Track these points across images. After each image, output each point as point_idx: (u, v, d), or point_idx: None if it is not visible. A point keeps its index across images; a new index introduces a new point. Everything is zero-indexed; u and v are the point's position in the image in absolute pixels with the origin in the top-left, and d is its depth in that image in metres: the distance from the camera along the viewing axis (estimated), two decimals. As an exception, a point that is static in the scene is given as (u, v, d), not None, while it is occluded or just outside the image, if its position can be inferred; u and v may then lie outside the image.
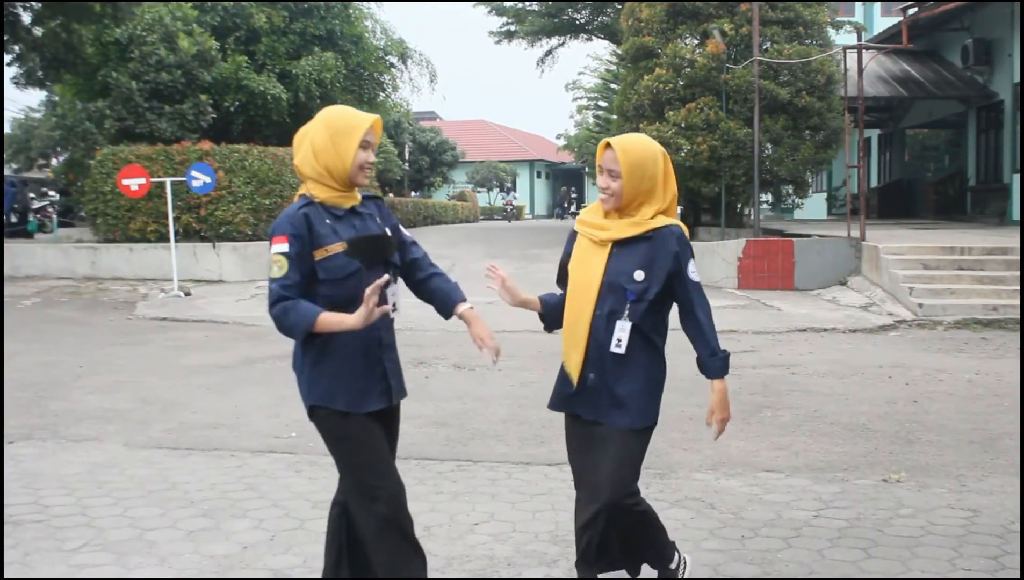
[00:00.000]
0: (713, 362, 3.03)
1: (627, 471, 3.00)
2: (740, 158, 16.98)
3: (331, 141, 2.90)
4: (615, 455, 2.98)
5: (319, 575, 3.64)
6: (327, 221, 2.91)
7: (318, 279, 2.89)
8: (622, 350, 2.97)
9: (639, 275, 2.96)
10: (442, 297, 3.11)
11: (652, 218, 2.99)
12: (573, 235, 3.15)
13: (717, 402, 3.04)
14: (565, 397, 3.10)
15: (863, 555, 3.83)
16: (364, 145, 2.94)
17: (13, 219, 24.22)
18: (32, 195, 25.27)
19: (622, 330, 2.97)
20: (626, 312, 2.96)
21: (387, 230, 3.03)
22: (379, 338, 2.97)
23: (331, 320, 2.81)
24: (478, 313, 3.07)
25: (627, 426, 2.99)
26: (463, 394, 7.09)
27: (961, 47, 19.64)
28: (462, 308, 3.07)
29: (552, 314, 3.18)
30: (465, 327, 3.04)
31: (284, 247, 2.85)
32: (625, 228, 2.99)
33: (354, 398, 2.93)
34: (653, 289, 2.97)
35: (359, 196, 3.03)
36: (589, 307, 2.99)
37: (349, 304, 2.86)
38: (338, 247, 2.88)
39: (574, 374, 3.03)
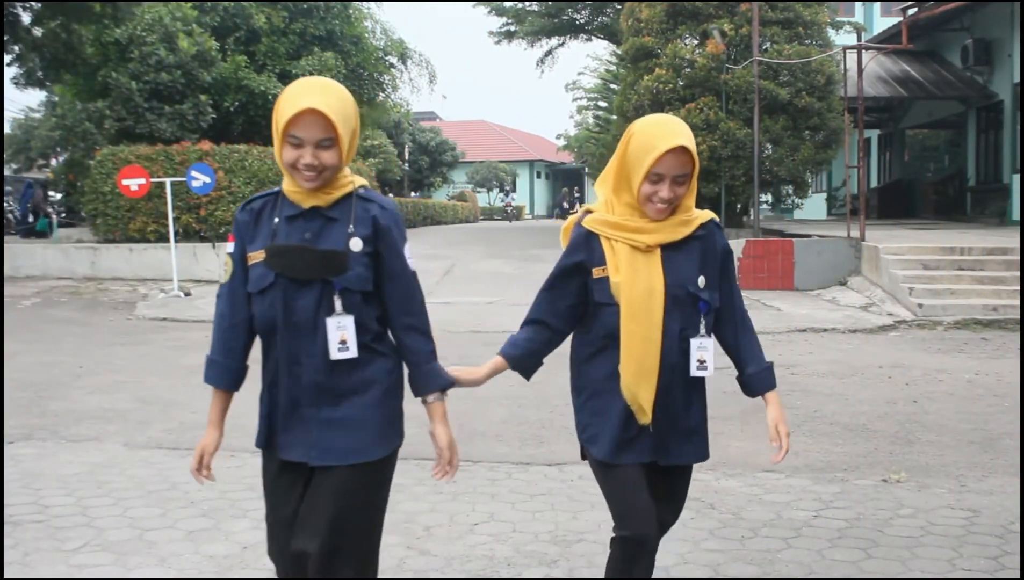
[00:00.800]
0: (770, 372, 2.68)
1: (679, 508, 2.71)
2: (740, 158, 16.97)
3: (275, 122, 2.38)
4: (678, 493, 2.67)
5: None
6: (275, 220, 2.42)
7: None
8: (709, 372, 2.54)
9: (702, 281, 2.54)
10: (412, 371, 2.51)
11: (691, 212, 2.56)
12: (587, 236, 2.56)
13: (782, 414, 2.65)
14: (627, 442, 2.53)
15: (863, 555, 3.83)
16: (294, 142, 2.31)
17: (29, 218, 24.31)
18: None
19: (703, 349, 2.53)
20: (702, 326, 2.53)
21: (350, 244, 2.37)
22: (299, 378, 2.39)
23: (213, 403, 2.53)
24: (444, 410, 2.52)
25: (696, 462, 2.61)
26: (463, 394, 6.98)
27: (961, 47, 19.64)
28: (431, 398, 2.50)
29: (526, 362, 2.65)
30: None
31: (230, 247, 2.49)
32: (675, 228, 2.52)
33: (264, 435, 2.49)
34: (716, 295, 2.57)
35: (337, 193, 2.41)
36: (657, 327, 2.48)
37: (270, 332, 2.41)
38: (259, 255, 2.41)
39: (647, 410, 2.51)
